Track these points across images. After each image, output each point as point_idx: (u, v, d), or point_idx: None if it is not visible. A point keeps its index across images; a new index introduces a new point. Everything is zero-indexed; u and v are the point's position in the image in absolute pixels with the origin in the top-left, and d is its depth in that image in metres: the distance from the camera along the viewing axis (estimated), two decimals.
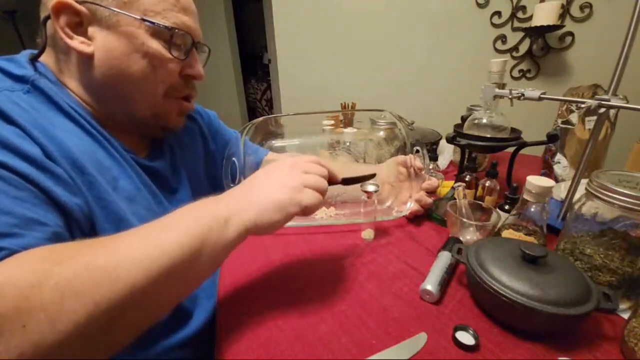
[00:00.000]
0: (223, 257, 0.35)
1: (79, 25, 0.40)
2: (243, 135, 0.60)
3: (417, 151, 0.63)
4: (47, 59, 0.43)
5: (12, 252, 0.27)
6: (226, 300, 0.44)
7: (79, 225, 0.37)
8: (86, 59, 0.41)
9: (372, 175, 0.48)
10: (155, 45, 0.42)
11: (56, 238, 0.32)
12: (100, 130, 0.42)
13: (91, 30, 0.40)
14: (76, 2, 0.38)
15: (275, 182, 0.38)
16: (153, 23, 0.41)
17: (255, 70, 3.68)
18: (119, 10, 0.40)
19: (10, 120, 0.33)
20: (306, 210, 0.37)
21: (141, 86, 0.44)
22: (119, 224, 0.40)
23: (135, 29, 0.41)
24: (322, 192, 0.39)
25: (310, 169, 0.40)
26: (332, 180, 0.42)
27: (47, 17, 0.40)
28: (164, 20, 0.42)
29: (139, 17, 0.40)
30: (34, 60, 0.41)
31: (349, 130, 0.83)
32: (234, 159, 0.57)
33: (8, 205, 0.30)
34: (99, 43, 0.40)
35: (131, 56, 0.41)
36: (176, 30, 0.43)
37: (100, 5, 0.39)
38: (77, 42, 0.40)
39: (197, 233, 0.31)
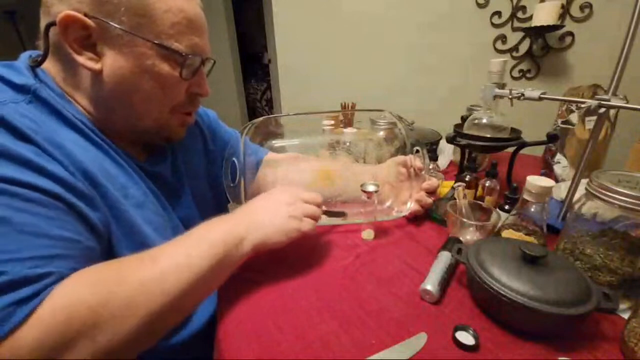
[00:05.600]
0: (234, 268, 0.41)
1: (87, 39, 0.38)
2: (243, 135, 0.60)
3: (417, 151, 0.63)
4: (49, 65, 0.41)
5: (61, 275, 0.30)
6: (226, 300, 0.44)
7: (101, 238, 0.37)
8: (93, 74, 0.40)
9: (343, 213, 0.58)
10: (166, 68, 0.41)
11: (90, 252, 0.35)
12: (104, 138, 0.42)
13: (100, 46, 0.39)
14: (86, 16, 0.36)
15: (282, 211, 0.45)
16: (167, 48, 0.40)
17: (255, 70, 3.68)
18: (131, 32, 0.38)
19: (24, 137, 0.33)
20: (304, 235, 0.46)
21: (148, 104, 0.43)
22: (132, 232, 0.41)
23: (147, 50, 0.40)
24: (317, 219, 0.48)
25: (309, 199, 0.48)
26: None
27: (51, 24, 0.37)
28: (177, 44, 0.41)
29: (152, 41, 0.39)
30: (35, 66, 0.40)
31: (349, 130, 0.82)
32: (234, 159, 0.57)
33: (45, 227, 0.31)
34: (108, 60, 0.39)
35: (141, 76, 0.41)
36: (189, 56, 0.42)
37: (112, 24, 0.37)
38: (85, 59, 0.38)
39: (220, 250, 0.38)
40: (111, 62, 0.39)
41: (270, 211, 0.45)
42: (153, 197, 0.46)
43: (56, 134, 0.36)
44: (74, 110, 0.41)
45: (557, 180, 0.72)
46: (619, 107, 0.46)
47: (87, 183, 0.36)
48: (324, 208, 0.50)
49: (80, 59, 0.38)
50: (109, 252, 0.39)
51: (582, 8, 1.21)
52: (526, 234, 0.47)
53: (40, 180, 0.32)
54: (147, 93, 0.42)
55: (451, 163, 0.94)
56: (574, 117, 0.73)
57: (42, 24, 0.39)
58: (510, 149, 0.68)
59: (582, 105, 0.49)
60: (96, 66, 0.39)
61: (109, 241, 0.39)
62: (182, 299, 0.34)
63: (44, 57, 0.39)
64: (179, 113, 0.48)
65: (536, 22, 1.21)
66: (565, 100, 0.68)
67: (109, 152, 0.42)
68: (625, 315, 0.36)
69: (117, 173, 0.42)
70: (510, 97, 0.57)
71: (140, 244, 0.41)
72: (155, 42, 0.39)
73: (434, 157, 0.84)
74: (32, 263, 0.29)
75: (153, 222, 0.44)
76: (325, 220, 0.61)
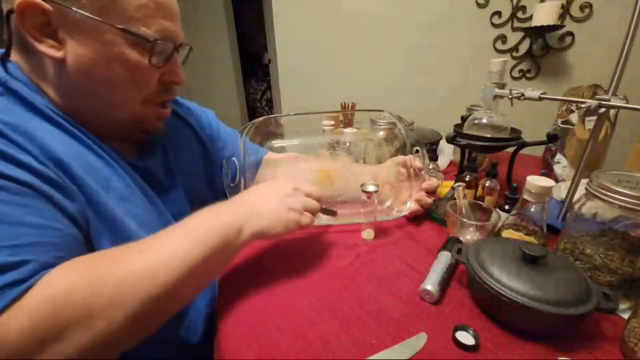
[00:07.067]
0: (233, 258, 0.41)
1: (47, 26, 0.36)
2: (243, 135, 0.60)
3: (417, 151, 0.63)
4: (16, 57, 0.39)
5: (41, 262, 0.29)
6: (226, 300, 0.44)
7: (81, 229, 0.36)
8: (56, 63, 0.37)
9: (334, 212, 0.55)
10: (135, 55, 0.39)
11: (74, 240, 0.34)
12: (83, 130, 0.40)
13: (62, 33, 0.36)
14: (44, 1, 0.34)
15: (282, 202, 0.45)
16: (134, 35, 0.37)
17: (255, 70, 3.68)
18: (94, 17, 0.35)
19: None
20: (303, 228, 0.47)
21: (118, 93, 0.41)
22: (113, 225, 0.39)
23: (112, 36, 0.37)
24: (315, 213, 0.49)
25: (309, 192, 0.48)
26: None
27: (11, 11, 0.34)
28: (144, 28, 0.38)
29: (116, 26, 0.36)
30: (3, 59, 0.38)
31: (349, 130, 0.83)
32: (234, 159, 0.57)
33: (17, 215, 0.30)
34: (71, 48, 0.37)
35: (108, 64, 0.38)
36: (158, 42, 0.39)
37: (72, 9, 0.35)
38: (46, 47, 0.36)
39: (216, 239, 0.37)
40: (74, 50, 0.37)
41: (270, 201, 0.44)
42: (140, 191, 0.45)
43: (28, 125, 0.34)
44: (46, 101, 0.39)
45: (557, 180, 0.72)
46: (619, 107, 0.46)
47: (61, 174, 0.35)
48: (322, 206, 0.50)
49: (41, 47, 0.36)
50: (88, 245, 0.37)
51: (582, 8, 1.21)
52: (526, 234, 0.47)
53: (9, 169, 0.31)
54: (114, 82, 0.40)
55: (451, 163, 0.94)
56: (574, 117, 0.73)
57: (4, 12, 0.37)
58: (510, 149, 0.68)
59: (582, 105, 0.49)
60: (58, 54, 0.36)
61: (88, 233, 0.37)
62: (174, 290, 0.33)
63: (8, 48, 0.38)
64: (154, 104, 0.45)
65: (536, 22, 1.21)
66: (565, 100, 0.68)
67: (89, 144, 0.40)
68: (625, 315, 0.36)
69: (101, 166, 0.40)
70: (510, 97, 0.57)
71: (122, 237, 0.39)
72: (120, 27, 0.36)
73: (434, 157, 0.84)
74: (7, 252, 0.28)
75: (138, 216, 0.42)
76: (324, 220, 0.61)
